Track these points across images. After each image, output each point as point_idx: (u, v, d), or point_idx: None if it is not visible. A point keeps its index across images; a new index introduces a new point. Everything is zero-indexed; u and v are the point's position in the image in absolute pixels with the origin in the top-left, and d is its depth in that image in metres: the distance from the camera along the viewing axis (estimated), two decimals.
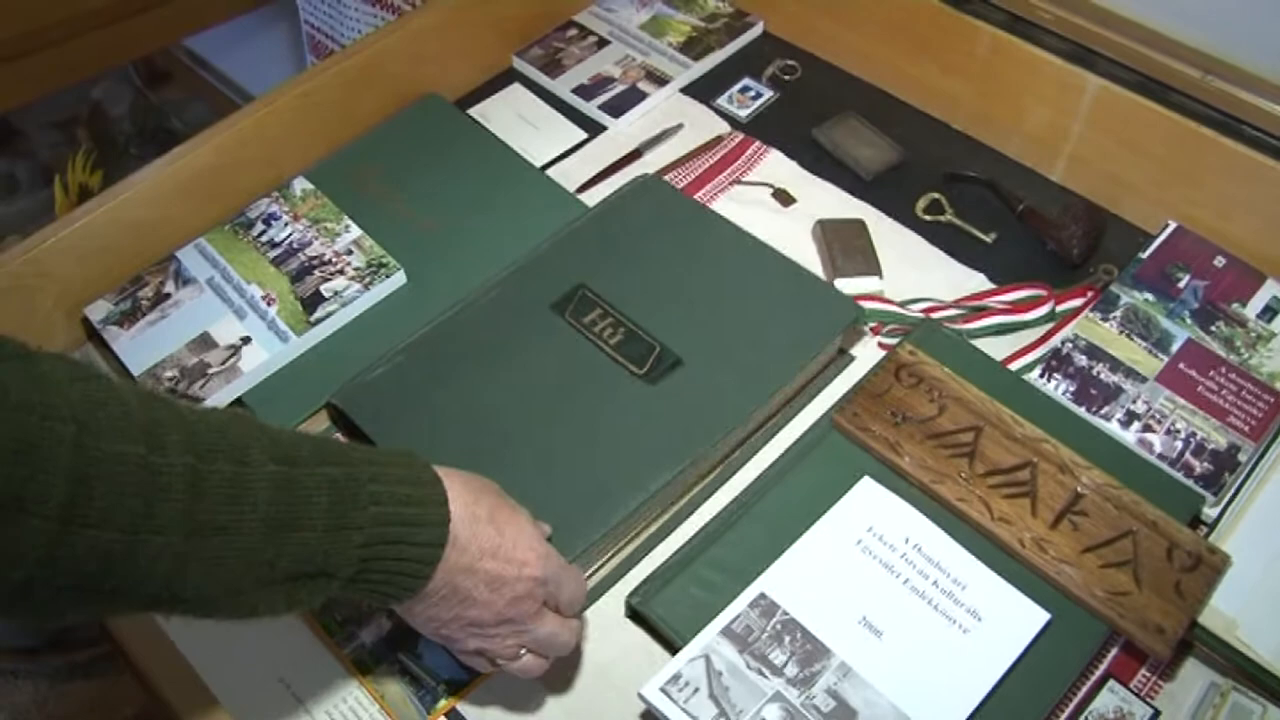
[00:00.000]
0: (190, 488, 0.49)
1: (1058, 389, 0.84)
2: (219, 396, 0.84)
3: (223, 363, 0.86)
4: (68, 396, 0.47)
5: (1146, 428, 0.81)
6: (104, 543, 0.47)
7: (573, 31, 1.17)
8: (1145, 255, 0.91)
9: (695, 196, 1.00)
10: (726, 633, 0.70)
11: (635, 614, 0.75)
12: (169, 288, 0.91)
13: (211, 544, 0.50)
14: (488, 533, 0.61)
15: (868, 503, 0.77)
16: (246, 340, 0.87)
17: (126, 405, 0.49)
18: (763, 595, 0.72)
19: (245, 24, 1.81)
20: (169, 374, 0.86)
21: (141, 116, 2.15)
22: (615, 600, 0.77)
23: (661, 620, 0.73)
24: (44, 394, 0.46)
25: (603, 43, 1.16)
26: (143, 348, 0.88)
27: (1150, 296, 0.88)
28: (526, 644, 0.65)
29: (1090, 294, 0.91)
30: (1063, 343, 0.86)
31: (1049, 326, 0.90)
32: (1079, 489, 0.77)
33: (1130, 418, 0.82)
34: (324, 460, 0.55)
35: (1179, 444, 0.80)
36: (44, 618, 0.50)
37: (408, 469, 0.59)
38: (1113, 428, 0.81)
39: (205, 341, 0.88)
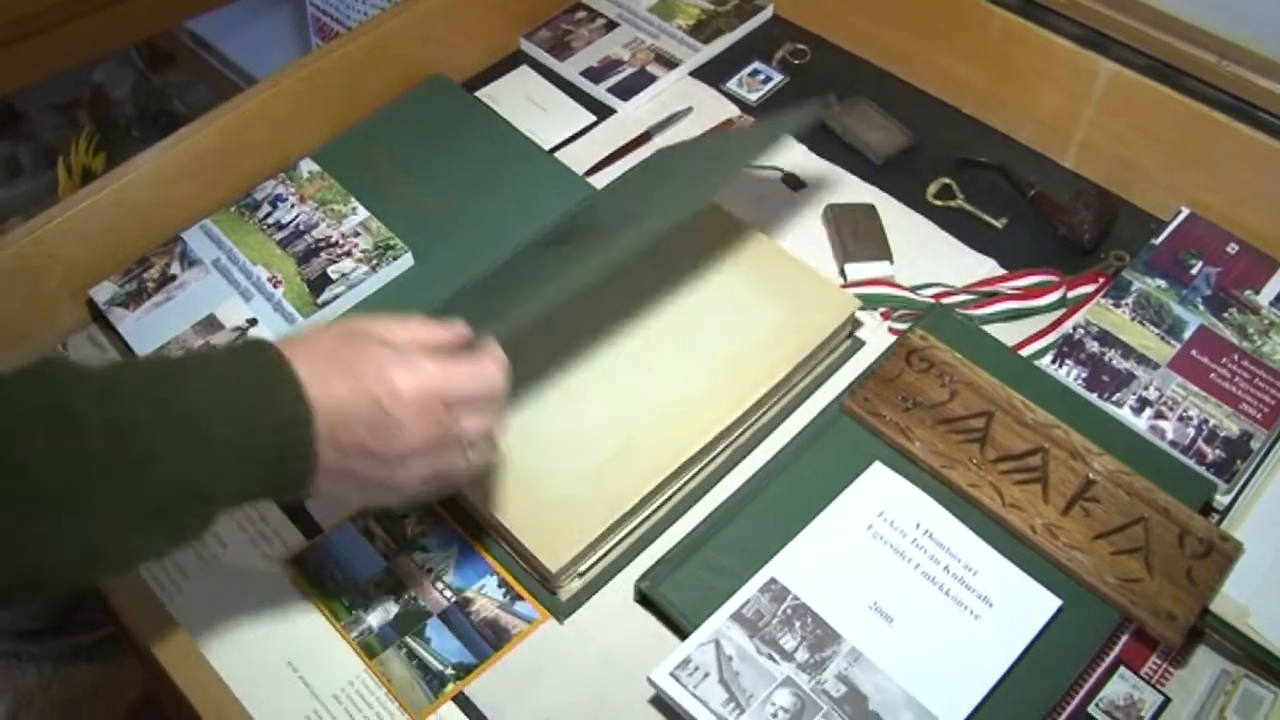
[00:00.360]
0: (14, 473, 0.48)
1: (1069, 375, 0.83)
2: None
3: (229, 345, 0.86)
4: None
5: (1158, 414, 0.81)
6: None
7: (581, 14, 1.17)
8: (1158, 242, 0.90)
9: None
10: (737, 617, 0.70)
11: (644, 598, 0.75)
12: (175, 269, 0.91)
13: (60, 519, 0.49)
14: (337, 379, 0.56)
15: (878, 488, 0.76)
16: (253, 322, 0.87)
17: None
18: (773, 580, 0.72)
19: (249, 7, 1.80)
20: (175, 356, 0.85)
21: (144, 99, 2.13)
22: (624, 584, 0.76)
23: (671, 604, 0.73)
24: None
25: (611, 25, 1.15)
26: (148, 330, 0.87)
27: (1163, 283, 0.87)
28: (466, 447, 0.61)
29: (1102, 280, 0.91)
30: (1074, 329, 0.86)
31: (1060, 313, 0.90)
32: (1090, 475, 0.76)
33: (1142, 404, 0.81)
34: (157, 386, 0.53)
35: (1191, 431, 0.80)
36: None
37: (246, 357, 0.56)
38: (1124, 414, 0.81)
39: (211, 323, 0.87)
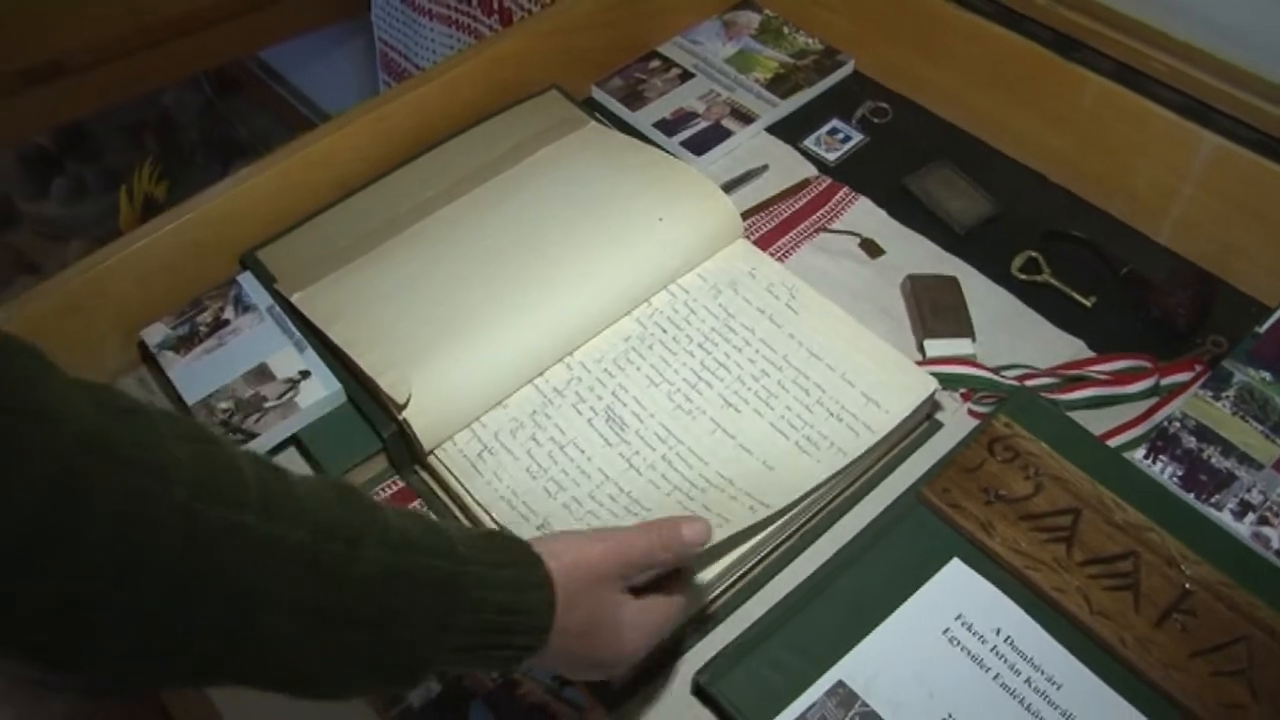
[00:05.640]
0: (307, 566, 0.46)
1: (1163, 472, 0.78)
2: (274, 432, 0.81)
3: (280, 397, 0.82)
4: (178, 456, 0.44)
5: (1263, 520, 0.75)
6: (220, 619, 0.44)
7: (655, 63, 1.13)
8: (1262, 330, 0.84)
9: (778, 243, 0.96)
10: None
11: (702, 692, 0.70)
12: (228, 314, 0.88)
13: (322, 628, 0.47)
14: (580, 634, 0.58)
15: (957, 587, 0.71)
16: (305, 374, 0.83)
17: (241, 471, 0.46)
18: (841, 683, 0.67)
19: (318, 39, 1.79)
20: (223, 405, 0.82)
21: (209, 124, 2.15)
22: (680, 672, 0.72)
23: (730, 702, 0.68)
24: (154, 452, 0.43)
25: (686, 76, 1.11)
26: (198, 376, 0.84)
27: (1267, 375, 0.82)
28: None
29: (1198, 368, 0.85)
30: (1169, 421, 0.80)
31: (1152, 401, 0.84)
32: (1187, 585, 0.71)
33: (1244, 508, 0.76)
34: (434, 552, 0.52)
35: None
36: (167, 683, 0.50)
37: (515, 569, 0.56)
38: (1225, 518, 0.75)
39: (263, 373, 0.84)
